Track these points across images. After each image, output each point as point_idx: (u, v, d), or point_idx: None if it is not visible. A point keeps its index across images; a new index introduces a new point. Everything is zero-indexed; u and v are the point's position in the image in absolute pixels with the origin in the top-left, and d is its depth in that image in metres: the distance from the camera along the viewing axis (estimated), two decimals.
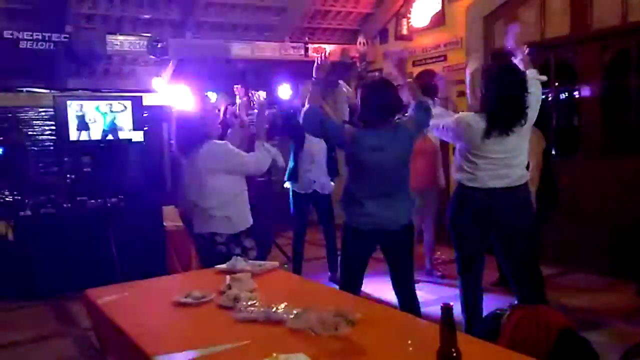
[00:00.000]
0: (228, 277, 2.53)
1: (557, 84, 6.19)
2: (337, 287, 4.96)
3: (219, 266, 2.89)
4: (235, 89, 4.58)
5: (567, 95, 6.30)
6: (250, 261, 2.93)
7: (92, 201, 5.82)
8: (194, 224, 3.54)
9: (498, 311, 1.96)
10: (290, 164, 5.59)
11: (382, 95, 3.23)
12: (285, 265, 5.46)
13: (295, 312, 1.99)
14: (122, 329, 2.10)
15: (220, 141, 3.43)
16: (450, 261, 5.93)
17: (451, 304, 1.34)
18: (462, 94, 7.06)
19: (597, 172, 5.66)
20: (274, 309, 2.05)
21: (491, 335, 1.88)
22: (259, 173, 3.57)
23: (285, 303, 2.08)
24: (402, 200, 3.33)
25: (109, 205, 5.83)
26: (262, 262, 2.91)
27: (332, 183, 5.67)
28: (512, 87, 3.29)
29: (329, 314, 1.84)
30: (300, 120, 3.35)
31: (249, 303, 2.15)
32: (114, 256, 5.44)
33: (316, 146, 5.50)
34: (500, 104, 3.27)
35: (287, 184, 5.65)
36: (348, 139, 3.24)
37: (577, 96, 6.03)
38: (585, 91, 5.88)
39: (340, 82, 5.82)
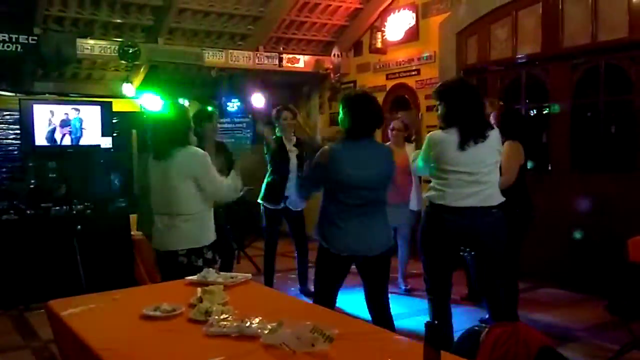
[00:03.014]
0: (199, 289, 2.44)
1: (527, 100, 6.28)
2: (308, 300, 4.92)
3: (189, 278, 2.80)
4: None
5: (537, 111, 6.39)
6: (222, 272, 2.85)
7: (57, 208, 5.65)
8: (153, 238, 3.42)
9: (476, 328, 1.94)
10: (267, 179, 5.52)
11: (366, 107, 3.26)
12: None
13: (269, 327, 1.92)
14: (86, 343, 2.01)
15: (200, 150, 3.36)
16: (418, 274, 5.94)
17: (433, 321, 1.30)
18: (432, 108, 7.14)
19: (566, 188, 5.74)
20: (247, 324, 1.98)
21: (469, 352, 1.85)
22: (225, 200, 3.47)
23: (260, 317, 2.01)
24: (381, 223, 3.30)
25: (74, 212, 5.67)
26: (234, 274, 2.84)
27: (305, 201, 5.63)
28: (470, 98, 3.42)
29: (305, 329, 1.78)
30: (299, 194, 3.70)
31: (222, 317, 2.08)
32: (79, 266, 5.28)
33: (293, 164, 5.46)
34: (467, 114, 3.37)
35: (260, 200, 5.57)
36: (324, 163, 3.23)
37: (547, 113, 6.12)
38: (555, 108, 5.97)
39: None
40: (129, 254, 5.71)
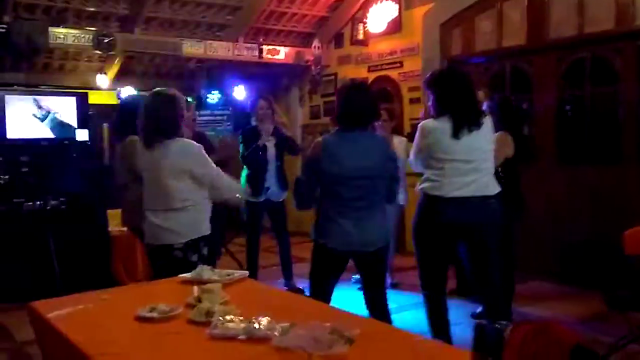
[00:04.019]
0: (195, 288, 2.29)
1: (512, 92, 6.24)
2: None
3: (182, 275, 2.64)
4: None
5: (520, 103, 6.35)
6: (217, 270, 2.70)
7: (30, 204, 5.40)
8: (145, 232, 3.25)
9: (497, 326, 1.83)
10: (245, 172, 5.37)
11: (364, 98, 3.15)
12: None
13: (280, 327, 1.79)
14: (78, 347, 1.85)
15: (194, 143, 3.17)
16: (405, 268, 5.86)
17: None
18: (416, 100, 7.06)
19: (553, 181, 5.71)
20: (255, 325, 1.84)
21: (492, 352, 1.75)
22: (224, 198, 3.28)
23: (268, 317, 1.88)
24: (379, 217, 3.17)
25: (48, 208, 5.42)
26: (230, 271, 2.69)
27: (285, 192, 5.51)
28: (462, 85, 3.37)
29: (322, 330, 1.65)
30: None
31: (226, 318, 1.93)
32: (54, 263, 5.05)
33: (271, 154, 5.32)
34: (459, 101, 3.30)
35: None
36: (317, 155, 3.09)
37: (531, 105, 6.08)
38: (540, 100, 5.94)
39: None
40: (106, 250, 5.49)
